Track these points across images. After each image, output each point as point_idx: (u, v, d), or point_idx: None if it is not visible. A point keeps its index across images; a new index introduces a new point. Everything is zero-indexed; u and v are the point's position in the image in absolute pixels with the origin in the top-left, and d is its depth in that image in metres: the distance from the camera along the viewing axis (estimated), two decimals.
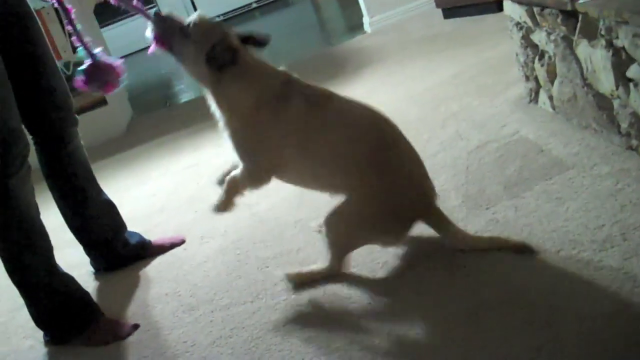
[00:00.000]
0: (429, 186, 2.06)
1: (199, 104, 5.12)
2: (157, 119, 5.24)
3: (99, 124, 4.79)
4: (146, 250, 2.69)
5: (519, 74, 2.94)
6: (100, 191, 2.62)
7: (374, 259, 2.11)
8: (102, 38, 5.96)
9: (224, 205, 2.16)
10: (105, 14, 9.36)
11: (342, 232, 2.04)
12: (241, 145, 2.07)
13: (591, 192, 2.06)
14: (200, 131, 4.25)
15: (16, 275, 2.21)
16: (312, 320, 1.94)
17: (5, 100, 2.13)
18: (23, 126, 2.21)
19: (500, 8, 3.53)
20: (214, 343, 1.97)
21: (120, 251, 2.65)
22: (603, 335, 1.52)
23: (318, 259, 2.18)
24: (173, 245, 2.70)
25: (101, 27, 7.01)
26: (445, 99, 3.24)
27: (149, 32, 2.08)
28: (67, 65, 4.86)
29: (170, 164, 3.83)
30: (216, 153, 3.69)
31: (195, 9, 9.78)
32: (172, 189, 3.35)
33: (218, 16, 9.70)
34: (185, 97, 5.85)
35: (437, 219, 2.04)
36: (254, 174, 2.09)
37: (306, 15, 8.19)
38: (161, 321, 2.20)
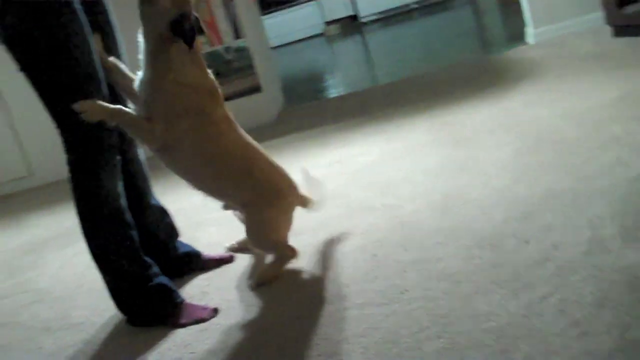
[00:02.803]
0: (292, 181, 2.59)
1: (349, 99, 5.20)
2: (307, 111, 5.33)
3: (252, 110, 4.94)
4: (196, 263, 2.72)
5: None
6: (154, 197, 2.67)
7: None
8: (261, 26, 6.13)
9: (96, 114, 2.16)
10: (268, 3, 9.65)
11: (265, 235, 2.47)
12: (157, 107, 2.26)
13: None
14: (348, 127, 4.30)
15: (101, 262, 2.31)
16: (445, 333, 1.91)
17: (99, 88, 2.22)
18: None
19: None
20: (346, 340, 1.98)
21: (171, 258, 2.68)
22: None
23: (459, 271, 2.16)
24: (222, 261, 2.73)
25: (263, 15, 7.20)
26: (608, 121, 3.09)
27: None
28: (227, 49, 5.03)
29: (316, 157, 3.88)
30: (363, 151, 3.71)
31: (356, 7, 9.88)
32: None
33: (376, 14, 9.74)
34: (335, 92, 5.91)
35: (304, 200, 2.62)
36: (146, 128, 2.26)
37: (466, 20, 8.06)
38: (296, 310, 2.24)
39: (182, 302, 2.37)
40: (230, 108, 2.62)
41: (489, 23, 7.41)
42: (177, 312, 2.34)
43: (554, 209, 2.40)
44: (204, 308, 2.35)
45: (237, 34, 5.07)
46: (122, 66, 2.38)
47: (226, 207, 2.62)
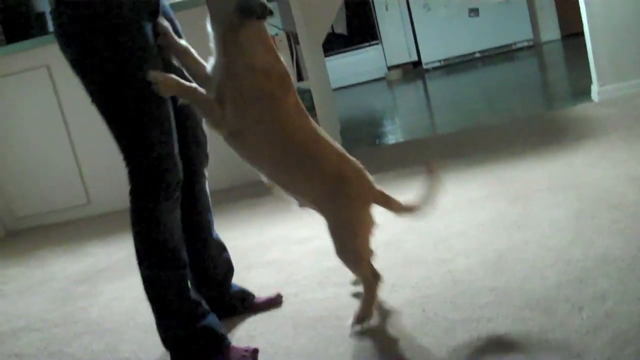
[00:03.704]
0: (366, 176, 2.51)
1: (407, 147, 5.18)
2: (364, 156, 5.26)
3: None
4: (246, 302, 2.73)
5: None
6: (215, 231, 2.69)
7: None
8: (324, 69, 6.20)
9: (169, 87, 2.19)
10: (330, 46, 9.77)
11: (351, 244, 2.37)
12: (228, 91, 2.24)
13: None
14: (404, 175, 4.27)
15: (151, 295, 2.33)
16: None
17: (165, 122, 2.24)
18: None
19: None
20: None
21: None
22: None
23: (509, 333, 2.11)
24: (271, 303, 2.73)
25: (325, 56, 7.28)
26: None
27: None
28: None
29: None
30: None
31: (418, 52, 9.93)
32: None
33: (438, 61, 9.77)
34: (393, 138, 5.91)
35: (383, 197, 2.51)
36: (217, 110, 2.24)
37: (530, 72, 8.00)
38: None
39: (228, 345, 2.37)
40: None
41: (554, 77, 7.33)
42: (222, 356, 2.34)
43: (610, 275, 2.34)
44: (246, 350, 2.35)
45: (300, 76, 5.14)
46: (193, 50, 2.40)
47: (302, 205, 2.51)
